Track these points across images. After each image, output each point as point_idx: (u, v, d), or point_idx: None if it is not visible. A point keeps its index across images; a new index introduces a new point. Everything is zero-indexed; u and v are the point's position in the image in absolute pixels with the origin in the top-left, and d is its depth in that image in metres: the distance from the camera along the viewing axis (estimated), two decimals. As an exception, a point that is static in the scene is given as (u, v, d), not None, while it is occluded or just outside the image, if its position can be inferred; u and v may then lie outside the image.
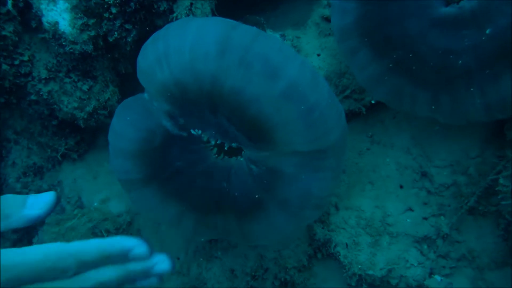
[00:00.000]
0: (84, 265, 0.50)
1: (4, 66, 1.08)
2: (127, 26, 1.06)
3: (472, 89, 0.78)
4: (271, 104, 0.72)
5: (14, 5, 1.02)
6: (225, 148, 0.84)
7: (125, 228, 1.24)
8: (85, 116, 1.17)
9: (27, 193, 1.36)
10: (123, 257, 0.52)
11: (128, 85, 1.24)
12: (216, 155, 0.87)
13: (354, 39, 0.84)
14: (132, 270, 0.53)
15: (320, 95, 0.74)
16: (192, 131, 0.83)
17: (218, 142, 0.84)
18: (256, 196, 0.85)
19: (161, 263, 0.54)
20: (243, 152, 0.84)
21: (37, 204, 0.53)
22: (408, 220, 1.03)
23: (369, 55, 0.84)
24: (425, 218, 1.03)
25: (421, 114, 0.86)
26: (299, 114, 0.73)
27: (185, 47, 0.73)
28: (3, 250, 0.46)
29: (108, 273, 0.51)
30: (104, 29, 1.05)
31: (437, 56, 0.78)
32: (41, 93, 1.14)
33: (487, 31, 0.73)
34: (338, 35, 0.86)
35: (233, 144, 0.83)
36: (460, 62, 0.77)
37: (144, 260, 0.53)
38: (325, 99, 0.75)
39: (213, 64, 0.71)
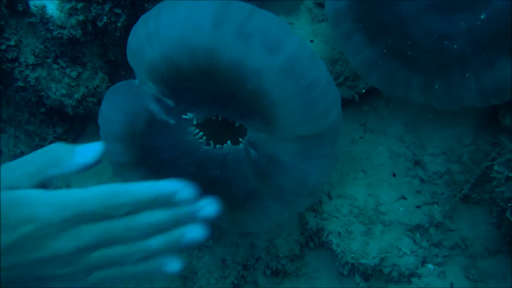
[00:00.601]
0: (136, 205, 0.52)
1: (-10, 51, 1.05)
2: (116, 10, 1.04)
3: (467, 74, 0.77)
4: (271, 78, 0.70)
5: (0, -12, 0.99)
6: (231, 121, 0.82)
7: (115, 218, 1.22)
8: (74, 104, 1.15)
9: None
10: (169, 201, 0.54)
11: (118, 72, 1.22)
12: (207, 145, 0.84)
13: (348, 24, 0.83)
14: (179, 212, 0.54)
15: (319, 72, 0.73)
16: (185, 116, 0.80)
17: (219, 118, 0.83)
18: (252, 183, 0.83)
19: (207, 206, 0.55)
20: (246, 136, 0.82)
21: (86, 152, 0.53)
22: (401, 209, 1.02)
23: (363, 40, 0.83)
24: (418, 207, 1.02)
25: (415, 99, 0.85)
26: (299, 90, 0.71)
27: (178, 21, 0.71)
28: (59, 191, 0.48)
29: (157, 215, 0.53)
30: (93, 13, 1.03)
31: (431, 41, 0.77)
32: (28, 79, 1.11)
33: (482, 16, 0.72)
34: (332, 19, 0.85)
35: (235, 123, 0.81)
36: (455, 46, 0.76)
37: (189, 203, 0.55)
38: (324, 78, 0.74)
39: (209, 36, 0.69)
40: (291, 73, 0.70)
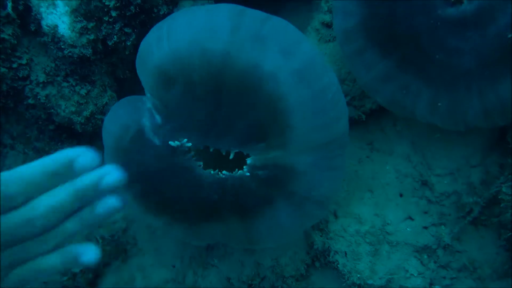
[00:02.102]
0: (31, 188, 0.47)
1: (2, 69, 1.07)
2: (126, 30, 1.06)
3: (471, 92, 0.77)
4: (287, 81, 0.70)
5: (13, 8, 1.01)
6: (223, 153, 0.79)
7: (120, 235, 1.22)
8: (82, 121, 1.16)
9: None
10: (69, 171, 0.48)
11: (127, 90, 1.24)
12: (201, 166, 0.79)
13: (359, 40, 0.83)
14: (81, 184, 0.48)
15: (331, 78, 0.74)
16: (171, 143, 0.76)
17: (209, 148, 0.78)
18: (262, 192, 0.81)
19: (110, 173, 0.48)
20: (245, 165, 0.78)
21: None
22: (408, 229, 1.01)
23: (376, 55, 0.83)
24: (425, 227, 1.01)
25: (421, 117, 0.85)
26: (313, 93, 0.72)
27: (193, 22, 0.71)
28: None
29: (58, 193, 0.47)
30: (104, 33, 1.04)
31: (442, 56, 0.77)
32: (38, 97, 1.13)
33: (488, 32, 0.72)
34: (342, 37, 0.86)
35: (231, 151, 0.77)
36: (463, 63, 0.76)
37: (92, 170, 0.48)
38: (335, 84, 0.75)
39: (226, 38, 0.69)
40: (306, 76, 0.71)
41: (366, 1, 0.80)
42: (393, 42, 0.80)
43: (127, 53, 1.11)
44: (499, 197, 0.88)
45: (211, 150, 0.79)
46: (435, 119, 0.84)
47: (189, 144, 0.77)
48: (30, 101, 1.14)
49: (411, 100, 0.83)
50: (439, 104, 0.81)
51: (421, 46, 0.77)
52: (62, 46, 1.04)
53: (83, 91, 1.14)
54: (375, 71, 0.84)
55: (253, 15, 0.71)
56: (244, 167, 0.78)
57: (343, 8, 0.83)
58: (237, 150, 0.77)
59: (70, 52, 1.05)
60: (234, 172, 0.79)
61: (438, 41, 0.76)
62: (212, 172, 0.79)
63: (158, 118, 0.77)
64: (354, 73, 0.91)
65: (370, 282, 0.98)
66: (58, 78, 1.13)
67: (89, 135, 1.33)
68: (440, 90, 0.79)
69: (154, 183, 0.83)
